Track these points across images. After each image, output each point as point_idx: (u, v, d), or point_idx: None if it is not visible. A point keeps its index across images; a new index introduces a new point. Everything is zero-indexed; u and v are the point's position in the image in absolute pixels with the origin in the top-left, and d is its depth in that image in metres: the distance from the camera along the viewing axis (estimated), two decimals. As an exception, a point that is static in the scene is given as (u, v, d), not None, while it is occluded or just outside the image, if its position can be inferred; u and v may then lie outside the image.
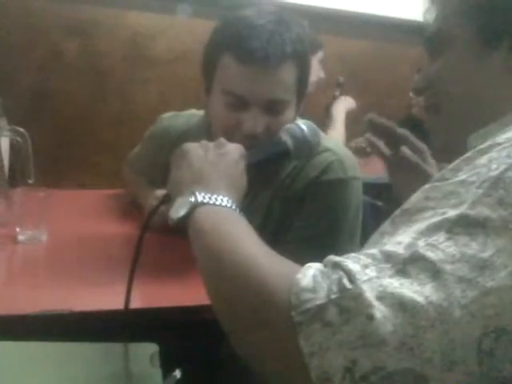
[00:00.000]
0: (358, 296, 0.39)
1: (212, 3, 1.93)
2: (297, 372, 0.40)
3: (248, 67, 0.89)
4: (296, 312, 0.40)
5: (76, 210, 1.24)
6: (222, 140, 0.69)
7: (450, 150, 0.60)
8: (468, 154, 0.45)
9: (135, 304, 0.72)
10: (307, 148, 0.80)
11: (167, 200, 0.67)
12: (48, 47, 1.87)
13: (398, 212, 0.45)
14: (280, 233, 0.98)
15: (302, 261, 0.45)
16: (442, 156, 0.61)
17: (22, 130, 1.07)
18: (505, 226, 0.39)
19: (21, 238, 0.99)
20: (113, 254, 1.01)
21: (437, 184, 0.44)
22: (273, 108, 0.90)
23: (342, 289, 0.39)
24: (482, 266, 0.38)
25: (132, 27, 1.98)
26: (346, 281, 0.40)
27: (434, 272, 0.38)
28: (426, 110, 0.65)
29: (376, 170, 1.81)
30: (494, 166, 0.42)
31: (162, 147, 1.18)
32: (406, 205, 0.45)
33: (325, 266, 0.43)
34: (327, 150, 0.98)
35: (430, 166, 0.76)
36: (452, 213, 0.41)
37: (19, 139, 1.06)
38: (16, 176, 1.16)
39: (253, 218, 0.84)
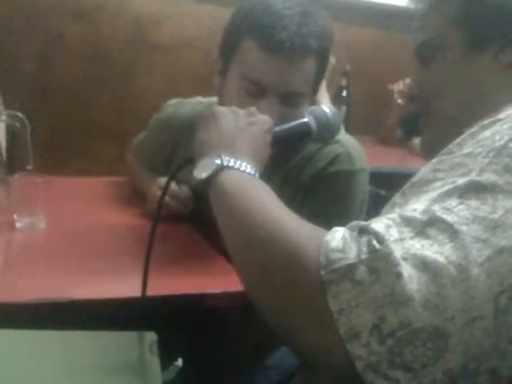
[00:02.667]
0: (388, 255, 0.40)
1: (217, -12, 1.90)
2: (325, 330, 0.41)
3: (272, 56, 0.88)
4: (326, 271, 0.41)
5: (75, 197, 1.23)
6: (253, 109, 0.69)
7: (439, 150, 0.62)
8: (473, 129, 0.48)
9: (135, 292, 0.70)
10: (329, 132, 0.80)
11: (189, 163, 0.66)
12: (50, 32, 1.85)
13: (407, 185, 0.47)
14: None
15: None
16: (430, 155, 0.61)
17: (20, 115, 1.06)
18: (511, 189, 0.42)
19: (19, 224, 0.98)
20: (112, 242, 1.00)
21: (444, 157, 0.47)
22: (289, 99, 0.90)
23: (371, 249, 0.41)
24: (494, 227, 0.40)
25: (136, 12, 1.95)
26: (375, 242, 0.41)
27: (451, 233, 0.40)
28: (416, 114, 0.67)
29: (379, 159, 1.79)
30: (497, 138, 0.45)
31: (167, 134, 1.17)
32: (415, 178, 0.47)
33: (352, 230, 0.44)
34: (335, 141, 0.97)
35: None
36: (461, 181, 0.43)
37: (18, 125, 1.05)
38: (15, 162, 1.15)
39: None
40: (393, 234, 0.42)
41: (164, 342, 0.68)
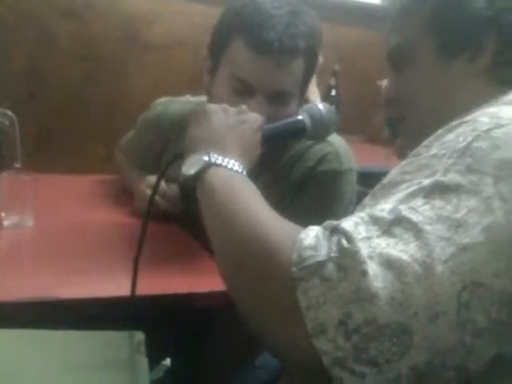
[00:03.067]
0: (355, 253, 0.41)
1: (208, -12, 1.90)
2: (294, 326, 0.42)
3: (261, 56, 0.88)
4: (297, 268, 0.43)
5: (64, 196, 1.22)
6: (244, 107, 0.70)
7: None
8: (438, 132, 0.50)
9: (124, 291, 0.70)
10: (323, 129, 0.81)
11: (179, 158, 0.67)
12: (40, 30, 1.84)
13: (377, 186, 0.49)
14: None
15: None
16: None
17: (9, 112, 1.05)
18: (474, 189, 0.43)
19: (6, 223, 0.97)
20: (101, 241, 0.99)
21: (412, 159, 0.48)
22: (278, 99, 0.90)
23: (340, 248, 0.42)
24: (457, 225, 0.42)
25: (127, 11, 1.94)
26: (344, 241, 0.42)
27: (416, 232, 0.42)
28: (390, 120, 0.68)
29: (368, 159, 1.80)
30: (461, 139, 0.46)
31: (155, 133, 1.17)
32: (385, 180, 0.49)
33: (325, 228, 0.45)
34: (324, 140, 0.97)
35: None
36: (427, 181, 0.44)
37: (6, 122, 1.04)
38: (3, 160, 1.14)
39: None
40: (361, 232, 0.43)
41: (153, 342, 0.68)
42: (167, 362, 0.70)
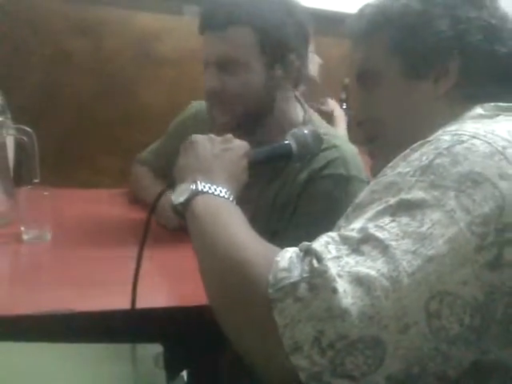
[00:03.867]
0: (324, 272, 0.43)
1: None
2: (272, 345, 0.44)
3: (204, 32, 1.00)
4: (273, 289, 0.45)
5: (81, 210, 1.23)
6: (229, 136, 0.73)
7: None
8: (404, 153, 0.52)
9: (140, 304, 0.71)
10: (308, 153, 0.82)
11: (171, 186, 0.70)
12: (56, 47, 1.87)
13: (350, 208, 0.51)
14: (281, 221, 1.02)
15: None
16: None
17: (28, 129, 1.07)
18: (437, 203, 0.45)
19: (25, 237, 0.99)
20: (118, 254, 1.00)
21: (379, 179, 0.51)
22: (226, 67, 0.96)
23: (311, 268, 0.44)
24: (422, 239, 0.44)
25: (140, 27, 1.98)
26: (314, 261, 0.44)
27: (382, 248, 0.43)
28: (364, 140, 0.71)
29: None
30: (424, 158, 0.49)
31: (188, 132, 1.18)
32: (356, 201, 0.51)
33: (300, 250, 0.47)
34: (334, 146, 1.00)
35: None
36: (393, 200, 0.47)
37: (25, 138, 1.06)
38: (22, 175, 1.16)
39: (260, 210, 0.95)
40: (331, 252, 0.45)
41: (170, 354, 0.68)
42: (184, 374, 0.71)
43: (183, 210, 0.63)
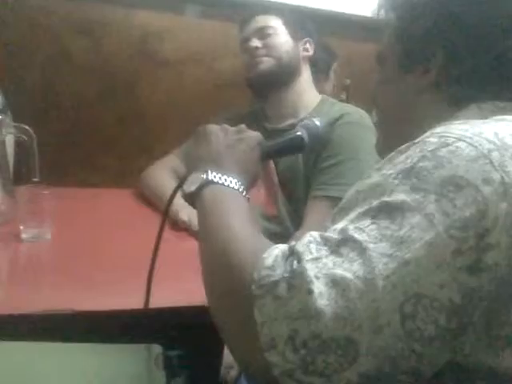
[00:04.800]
0: (302, 273, 0.44)
1: (221, 4, 1.92)
2: (251, 340, 0.45)
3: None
4: (255, 286, 0.46)
5: (81, 209, 1.23)
6: (243, 126, 0.74)
7: (383, 152, 0.66)
8: (390, 155, 0.52)
9: (140, 304, 0.71)
10: (319, 143, 0.84)
11: (182, 184, 0.71)
12: (56, 46, 1.87)
13: (336, 210, 0.52)
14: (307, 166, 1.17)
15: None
16: (381, 155, 0.68)
17: (27, 127, 1.07)
18: (418, 206, 0.45)
19: (24, 236, 0.99)
20: (117, 253, 1.00)
21: (365, 181, 0.51)
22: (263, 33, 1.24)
23: (292, 269, 0.45)
24: (400, 242, 0.44)
25: (140, 27, 1.97)
26: (295, 262, 0.46)
27: (360, 250, 0.44)
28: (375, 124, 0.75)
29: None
30: (408, 160, 0.49)
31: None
32: (342, 202, 0.52)
33: (288, 248, 0.49)
34: (349, 109, 1.20)
35: None
36: (375, 202, 0.47)
37: (25, 137, 1.06)
38: (21, 174, 1.16)
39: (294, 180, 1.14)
40: (312, 252, 0.46)
41: (170, 355, 0.68)
42: (183, 376, 0.70)
43: (194, 199, 0.64)
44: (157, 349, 0.68)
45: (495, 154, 0.47)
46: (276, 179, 0.75)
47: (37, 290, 0.81)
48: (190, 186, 0.65)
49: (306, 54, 1.27)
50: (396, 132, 0.66)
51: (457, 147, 0.47)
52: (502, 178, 0.46)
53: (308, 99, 1.26)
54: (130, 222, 1.18)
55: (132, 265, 0.93)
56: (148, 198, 1.31)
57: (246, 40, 1.26)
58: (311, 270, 0.44)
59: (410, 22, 0.63)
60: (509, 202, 0.45)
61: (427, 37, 0.61)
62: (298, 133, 0.80)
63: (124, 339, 0.68)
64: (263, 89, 1.25)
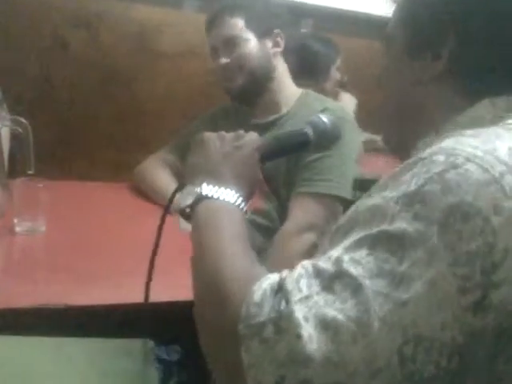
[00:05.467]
0: (290, 316, 0.42)
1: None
2: (237, 380, 0.44)
3: None
4: (243, 325, 0.44)
5: (76, 202, 1.23)
6: (241, 132, 0.70)
7: (395, 146, 0.65)
8: (395, 170, 0.48)
9: (134, 299, 0.70)
10: (328, 140, 0.81)
11: (182, 187, 0.69)
12: (53, 39, 1.86)
13: (334, 229, 0.49)
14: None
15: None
16: (390, 150, 0.66)
17: (23, 120, 1.06)
18: (420, 239, 0.42)
19: (18, 229, 0.98)
20: (112, 247, 1.00)
21: (365, 201, 0.47)
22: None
23: (279, 309, 0.43)
24: (399, 280, 0.41)
25: (138, 21, 1.96)
26: (283, 302, 0.43)
27: (355, 287, 0.42)
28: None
29: (376, 167, 1.79)
30: (413, 181, 0.44)
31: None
32: (341, 221, 0.49)
33: (278, 282, 0.45)
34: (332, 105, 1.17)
35: None
36: (374, 230, 0.44)
37: (20, 130, 1.05)
38: (16, 166, 1.15)
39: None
40: (301, 290, 0.43)
41: (165, 350, 0.67)
42: (181, 371, 0.71)
43: (189, 214, 0.62)
44: (149, 343, 0.67)
45: (507, 178, 0.43)
46: (260, 175, 0.72)
47: (30, 284, 0.81)
48: (186, 200, 0.63)
49: (276, 49, 1.23)
50: (406, 126, 0.61)
51: (466, 170, 0.43)
52: None
53: (287, 93, 1.24)
54: (125, 215, 1.18)
55: (127, 259, 0.93)
56: (144, 192, 1.31)
57: (214, 50, 1.25)
58: (300, 311, 0.42)
59: (419, 2, 0.58)
60: None
61: (438, 19, 0.56)
62: (303, 129, 0.76)
63: (118, 334, 0.68)
64: (240, 101, 1.25)
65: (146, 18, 1.97)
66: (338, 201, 1.09)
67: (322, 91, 1.50)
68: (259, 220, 1.15)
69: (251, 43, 1.21)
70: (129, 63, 1.96)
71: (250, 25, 1.21)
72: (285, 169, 1.13)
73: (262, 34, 1.22)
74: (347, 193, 1.09)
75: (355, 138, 1.14)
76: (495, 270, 0.41)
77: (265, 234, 1.13)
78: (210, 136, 0.69)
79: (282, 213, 1.13)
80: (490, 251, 0.41)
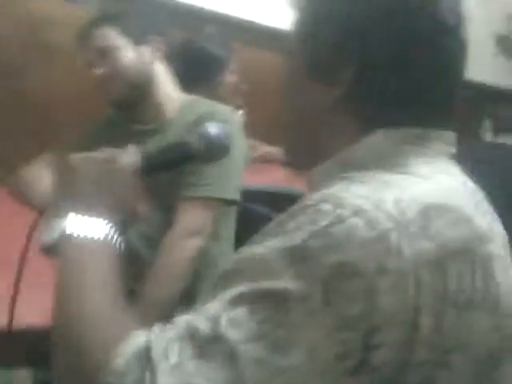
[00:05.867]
0: None
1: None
2: None
3: None
4: None
5: None
6: (113, 155, 0.64)
7: (292, 160, 0.61)
8: (281, 217, 0.46)
9: (17, 323, 0.64)
10: (220, 150, 0.75)
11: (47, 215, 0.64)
12: None
13: (220, 273, 0.46)
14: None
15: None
16: (291, 167, 0.62)
17: None
18: (302, 298, 0.40)
19: None
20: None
21: (249, 249, 0.45)
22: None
23: (143, 381, 0.40)
24: (277, 345, 0.40)
25: (30, 12, 1.84)
26: (148, 373, 0.41)
27: (229, 355, 0.40)
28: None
29: (273, 179, 1.82)
30: (298, 234, 0.43)
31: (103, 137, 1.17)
32: (225, 268, 0.46)
33: (145, 347, 0.43)
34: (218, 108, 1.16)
35: None
36: (256, 285, 0.42)
37: None
38: None
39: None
40: (169, 359, 0.41)
41: (42, 380, 0.63)
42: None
43: (52, 252, 0.59)
44: (24, 374, 0.63)
45: (393, 236, 0.42)
46: (141, 193, 0.67)
47: None
48: (48, 236, 0.60)
49: (156, 55, 1.20)
50: (303, 145, 0.57)
51: (351, 226, 0.42)
52: (398, 266, 0.41)
53: (170, 99, 1.21)
54: (12, 222, 1.08)
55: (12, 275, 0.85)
56: (20, 197, 1.23)
57: (89, 65, 1.19)
58: (165, 383, 0.40)
59: (314, 29, 0.54)
60: (402, 295, 0.41)
61: (338, 40, 0.51)
62: (185, 140, 0.71)
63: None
64: (120, 109, 1.21)
65: (37, 9, 1.85)
66: (225, 203, 1.10)
67: (216, 96, 1.47)
68: (143, 229, 1.12)
69: (126, 51, 1.17)
70: (20, 56, 1.84)
71: (124, 32, 1.18)
72: (169, 177, 1.09)
73: (139, 40, 1.19)
74: (234, 194, 1.10)
75: (241, 142, 1.15)
76: (376, 333, 0.40)
77: (152, 244, 1.11)
78: (78, 161, 0.62)
79: (165, 221, 1.11)
80: (371, 314, 0.40)
